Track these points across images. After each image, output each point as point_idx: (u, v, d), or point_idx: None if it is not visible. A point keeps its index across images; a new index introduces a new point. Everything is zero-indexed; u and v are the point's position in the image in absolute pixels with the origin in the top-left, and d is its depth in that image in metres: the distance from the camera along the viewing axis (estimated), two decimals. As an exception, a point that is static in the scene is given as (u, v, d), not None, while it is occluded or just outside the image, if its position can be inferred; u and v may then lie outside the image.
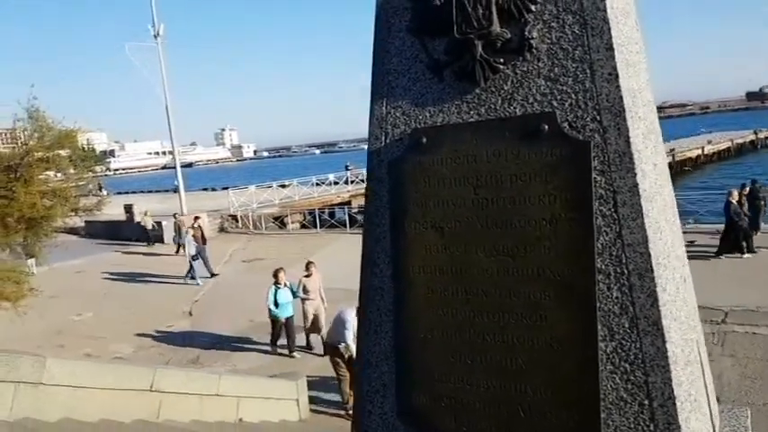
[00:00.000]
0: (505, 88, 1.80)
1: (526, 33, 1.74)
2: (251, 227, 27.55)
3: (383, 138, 2.00)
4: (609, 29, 1.65)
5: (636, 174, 1.62)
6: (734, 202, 13.44)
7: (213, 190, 47.11)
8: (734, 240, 13.17)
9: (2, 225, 7.28)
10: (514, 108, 1.79)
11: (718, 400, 8.22)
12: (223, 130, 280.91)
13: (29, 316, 11.14)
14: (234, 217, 28.53)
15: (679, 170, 42.24)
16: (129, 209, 27.62)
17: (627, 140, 1.63)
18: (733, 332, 9.98)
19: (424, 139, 1.90)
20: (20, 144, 8.66)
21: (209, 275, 17.76)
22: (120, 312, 15.01)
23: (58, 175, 9.69)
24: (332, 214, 27.43)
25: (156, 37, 28.43)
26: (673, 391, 1.59)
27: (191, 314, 14.86)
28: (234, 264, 20.45)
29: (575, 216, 1.67)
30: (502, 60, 1.78)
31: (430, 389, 1.89)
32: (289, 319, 10.48)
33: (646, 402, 1.62)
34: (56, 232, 9.23)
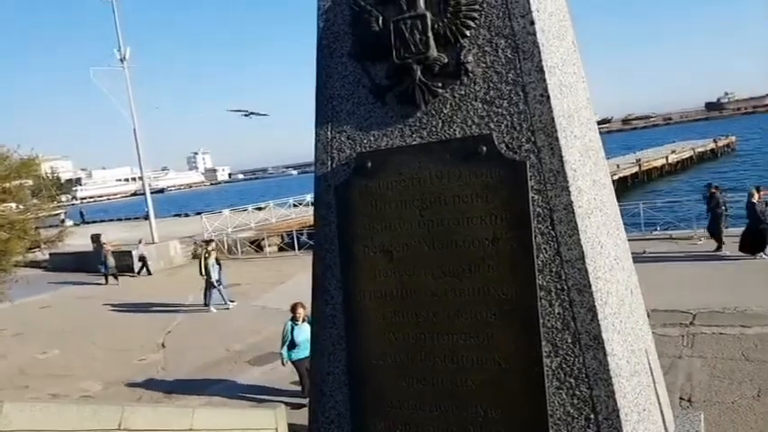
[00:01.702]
0: (445, 111, 1.83)
1: (462, 57, 1.78)
2: (226, 252, 27.17)
3: (329, 163, 2.01)
4: (539, 52, 1.70)
5: (570, 192, 1.66)
6: (756, 202, 13.13)
7: (186, 215, 46.45)
8: (760, 241, 12.80)
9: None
10: (454, 130, 1.82)
11: (689, 400, 8.20)
12: (196, 153, 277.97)
13: (-9, 356, 10.70)
14: (207, 242, 28.08)
15: (646, 180, 43.33)
16: (96, 238, 26.99)
17: (561, 159, 1.67)
18: (701, 333, 10.19)
19: (370, 164, 1.92)
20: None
21: (204, 304, 17.16)
22: (88, 348, 14.55)
23: (20, 206, 9.43)
24: (311, 235, 27.18)
25: (122, 61, 28.17)
26: (617, 404, 1.61)
27: (163, 346, 14.49)
28: (208, 290, 20.06)
29: (515, 235, 1.70)
30: (440, 84, 1.82)
31: (384, 415, 1.88)
32: (307, 360, 9.43)
33: (592, 416, 1.63)
34: (16, 267, 8.94)
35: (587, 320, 1.64)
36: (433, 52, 1.79)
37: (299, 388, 8.91)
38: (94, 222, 51.99)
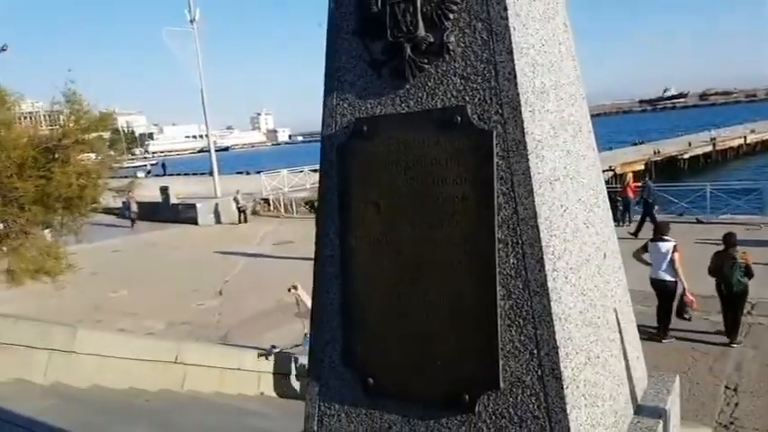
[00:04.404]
0: (429, 85, 2.10)
1: (445, 38, 2.03)
2: (282, 210, 28.29)
3: (333, 126, 2.32)
4: (509, 35, 1.92)
5: (529, 159, 1.91)
6: None
7: (247, 173, 48.27)
8: None
9: (41, 204, 7.91)
10: (436, 102, 2.09)
11: (735, 389, 8.10)
12: (259, 114, 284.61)
13: (71, 292, 11.93)
14: (266, 200, 29.35)
15: (719, 159, 40.54)
16: (164, 190, 28.80)
17: (522, 131, 1.91)
18: (759, 324, 9.90)
19: (365, 128, 2.22)
20: (58, 127, 9.24)
21: None
22: (153, 290, 15.84)
23: (99, 156, 10.27)
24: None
25: (192, 22, 29.31)
26: (556, 343, 1.88)
27: (221, 293, 15.54)
28: (264, 246, 21.15)
29: (481, 194, 1.97)
30: (426, 61, 2.08)
31: (366, 341, 2.23)
32: None
33: (535, 351, 1.92)
34: (93, 212, 9.85)
35: (536, 270, 1.91)
36: (421, 32, 2.05)
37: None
38: (171, 176, 56.08)
